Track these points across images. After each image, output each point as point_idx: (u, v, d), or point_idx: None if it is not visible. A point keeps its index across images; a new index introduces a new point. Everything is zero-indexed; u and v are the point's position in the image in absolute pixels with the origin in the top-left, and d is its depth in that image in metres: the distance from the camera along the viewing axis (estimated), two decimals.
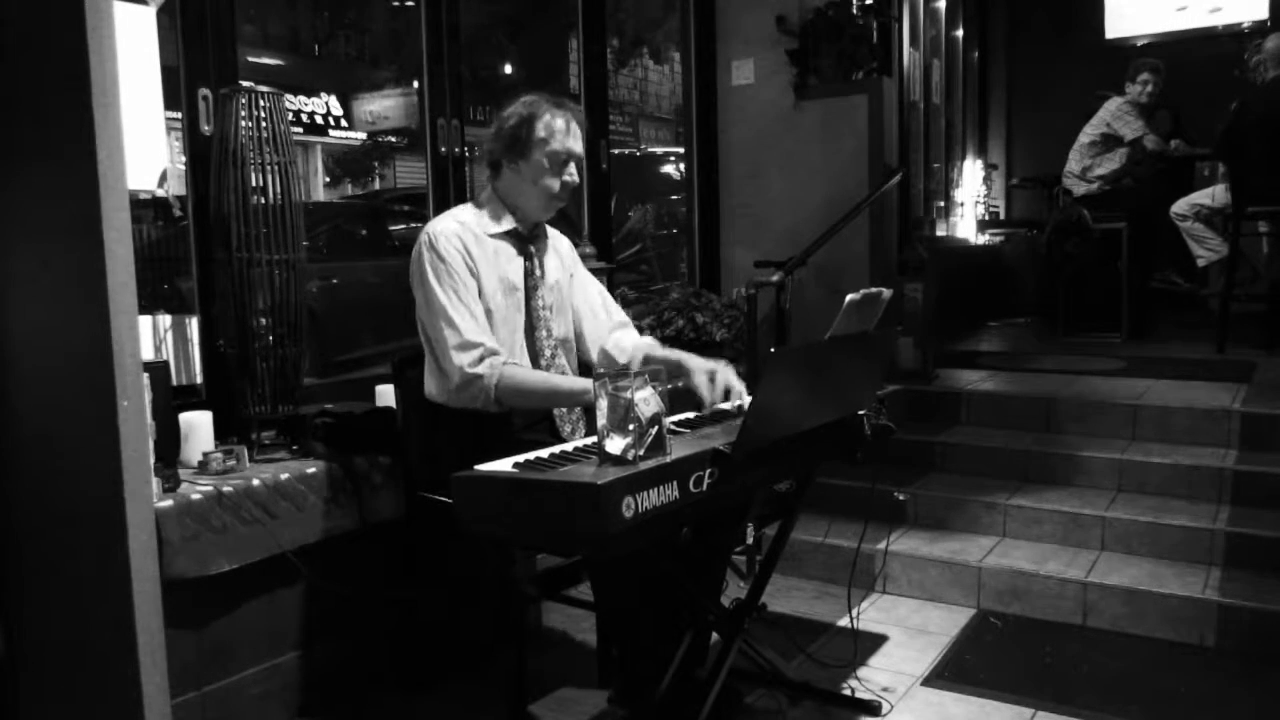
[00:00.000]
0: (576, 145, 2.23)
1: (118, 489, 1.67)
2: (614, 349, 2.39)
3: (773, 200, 4.43)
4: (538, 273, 2.29)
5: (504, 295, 2.22)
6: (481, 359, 2.10)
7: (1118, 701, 2.39)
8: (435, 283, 2.13)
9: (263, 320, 2.34)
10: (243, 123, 2.31)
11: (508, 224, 2.25)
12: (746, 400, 2.11)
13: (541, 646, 2.77)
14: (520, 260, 2.26)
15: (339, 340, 5.03)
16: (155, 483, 1.99)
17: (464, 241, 2.18)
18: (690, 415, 2.07)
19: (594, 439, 1.68)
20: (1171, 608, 2.74)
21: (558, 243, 2.44)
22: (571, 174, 2.23)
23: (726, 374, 2.12)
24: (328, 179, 11.80)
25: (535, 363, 2.27)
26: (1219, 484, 3.15)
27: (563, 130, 2.20)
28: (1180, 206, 5.00)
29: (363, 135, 11.60)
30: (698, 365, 2.12)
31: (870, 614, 2.97)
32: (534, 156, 2.19)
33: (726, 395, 2.11)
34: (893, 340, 2.36)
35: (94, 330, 1.66)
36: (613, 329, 2.44)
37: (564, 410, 2.26)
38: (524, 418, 2.22)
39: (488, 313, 2.18)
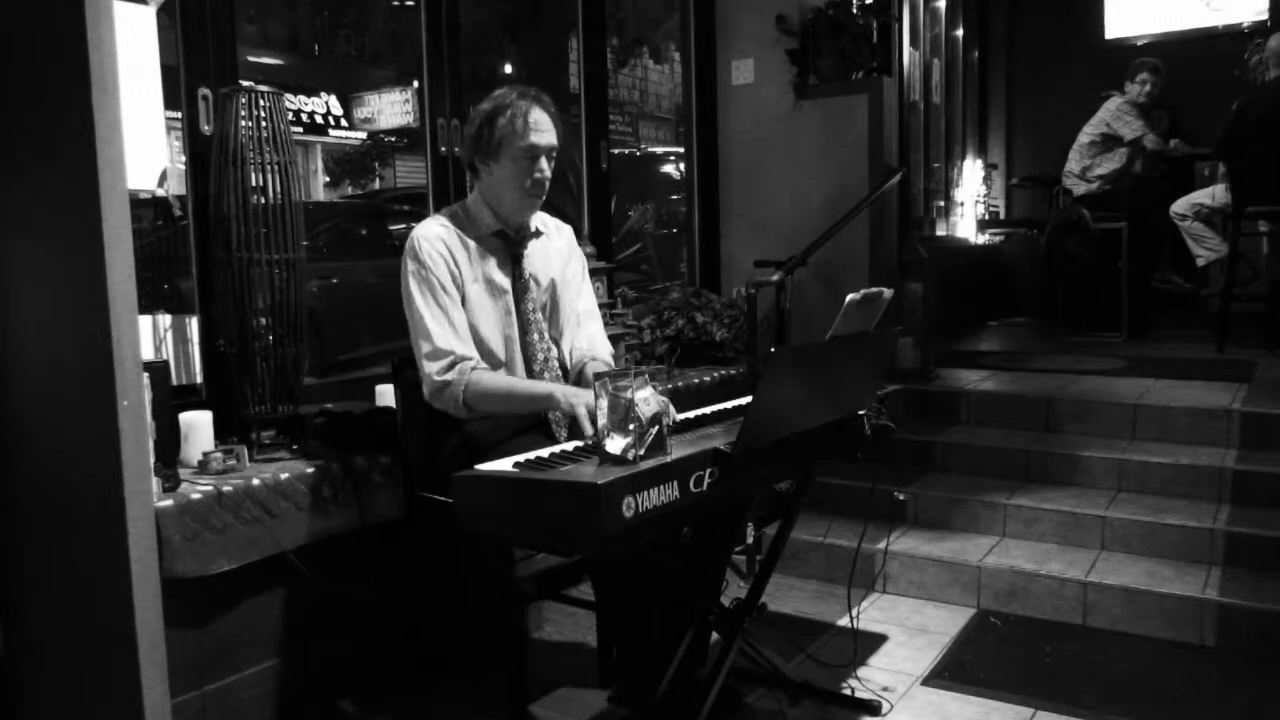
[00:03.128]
0: (543, 138, 2.15)
1: (118, 489, 1.67)
2: (577, 355, 2.35)
3: (773, 200, 4.43)
4: (526, 275, 2.26)
5: (491, 298, 2.21)
6: (451, 366, 2.10)
7: (1118, 701, 2.39)
8: (415, 289, 2.13)
9: (263, 320, 2.34)
10: (243, 122, 2.30)
11: (493, 225, 2.23)
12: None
13: (541, 646, 2.77)
14: (508, 263, 2.25)
15: (339, 340, 5.03)
16: (155, 483, 1.98)
17: (448, 245, 2.16)
18: (690, 415, 2.07)
19: (592, 439, 1.68)
20: (1171, 608, 2.74)
21: (557, 237, 2.39)
22: (542, 169, 2.16)
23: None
24: (328, 179, 11.79)
25: (529, 365, 2.25)
26: (1219, 484, 3.15)
27: (524, 125, 2.12)
28: (1180, 206, 5.00)
29: (363, 135, 11.60)
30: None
31: (870, 613, 2.97)
32: (501, 157, 2.15)
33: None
34: (893, 340, 2.36)
35: (94, 330, 1.66)
36: (579, 326, 2.37)
37: (558, 414, 2.24)
38: (518, 422, 2.21)
39: (472, 319, 2.17)
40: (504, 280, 2.23)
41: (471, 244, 2.21)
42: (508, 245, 2.25)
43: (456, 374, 2.10)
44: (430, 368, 2.11)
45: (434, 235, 2.17)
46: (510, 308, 2.24)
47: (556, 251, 2.37)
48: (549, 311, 2.31)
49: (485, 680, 2.56)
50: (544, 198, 2.23)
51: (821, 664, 2.58)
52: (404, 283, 2.17)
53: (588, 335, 2.38)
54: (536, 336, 2.26)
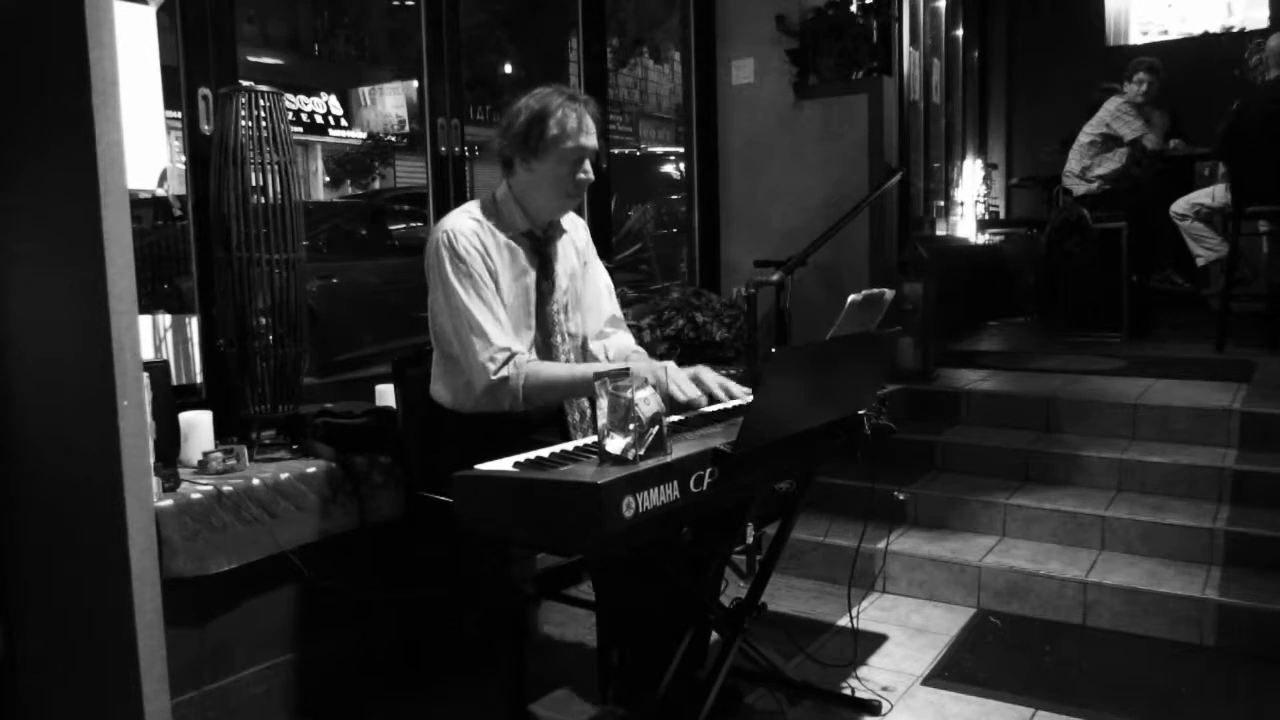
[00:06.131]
0: (590, 141, 2.16)
1: (118, 489, 1.67)
2: (599, 351, 2.36)
3: (773, 200, 4.43)
4: (553, 276, 2.26)
5: (519, 297, 2.20)
6: (507, 361, 2.08)
7: (1117, 701, 2.39)
8: (457, 284, 2.10)
9: (263, 320, 2.34)
10: (243, 122, 2.30)
11: (523, 224, 2.22)
12: (738, 393, 2.09)
13: (541, 646, 2.77)
14: (535, 262, 2.24)
15: (339, 340, 5.04)
16: (155, 483, 1.98)
17: (482, 240, 2.15)
18: (690, 415, 2.07)
19: (594, 439, 1.68)
20: (1171, 607, 2.74)
21: (575, 233, 2.39)
22: (587, 171, 2.17)
23: (707, 375, 2.09)
24: (328, 179, 11.81)
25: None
26: (1219, 484, 3.15)
27: (575, 127, 2.13)
28: (1180, 206, 5.00)
29: (363, 135, 11.60)
30: (677, 374, 2.08)
31: (870, 613, 2.97)
32: (547, 156, 2.13)
33: (716, 396, 2.09)
34: (893, 340, 2.36)
35: (94, 330, 1.66)
36: (602, 328, 2.39)
37: (577, 416, 2.24)
38: (537, 415, 2.20)
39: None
40: (531, 280, 2.22)
41: (502, 241, 2.19)
42: (535, 244, 2.24)
43: (513, 368, 2.08)
44: (488, 365, 2.08)
45: (468, 230, 2.14)
46: (533, 309, 2.23)
47: (576, 248, 2.37)
48: (569, 310, 2.31)
49: (485, 680, 2.55)
50: (580, 200, 2.22)
51: (821, 664, 2.58)
52: (439, 277, 2.13)
53: (620, 342, 2.39)
54: (560, 339, 2.26)
